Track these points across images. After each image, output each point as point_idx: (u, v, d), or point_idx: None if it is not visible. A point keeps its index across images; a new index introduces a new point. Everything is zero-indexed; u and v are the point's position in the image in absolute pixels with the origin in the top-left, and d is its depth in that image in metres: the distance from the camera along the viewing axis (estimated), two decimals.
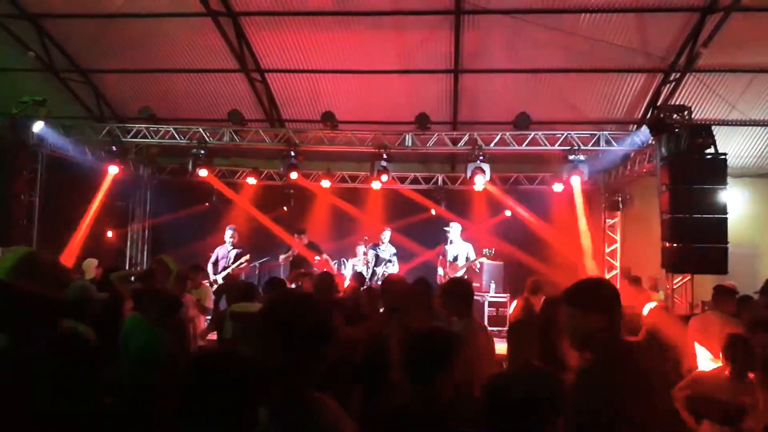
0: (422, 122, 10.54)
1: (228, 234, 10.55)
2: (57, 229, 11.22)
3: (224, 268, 10.32)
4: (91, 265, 9.79)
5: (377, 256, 10.62)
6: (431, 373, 2.49)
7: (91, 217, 11.54)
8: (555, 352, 3.73)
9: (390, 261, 10.70)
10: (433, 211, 12.28)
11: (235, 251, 10.47)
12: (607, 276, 11.95)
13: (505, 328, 8.55)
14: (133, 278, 7.06)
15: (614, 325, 2.48)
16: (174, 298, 5.48)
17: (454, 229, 10.73)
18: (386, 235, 10.86)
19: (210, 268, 10.32)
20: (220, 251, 10.55)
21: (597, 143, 10.48)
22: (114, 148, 11.21)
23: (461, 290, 4.54)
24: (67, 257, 10.64)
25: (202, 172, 11.27)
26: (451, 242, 10.68)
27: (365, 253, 10.82)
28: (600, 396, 2.30)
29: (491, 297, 10.85)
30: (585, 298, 2.52)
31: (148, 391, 3.86)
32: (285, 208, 12.97)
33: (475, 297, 5.94)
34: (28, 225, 10.56)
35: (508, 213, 12.28)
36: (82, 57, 11.68)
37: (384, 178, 10.88)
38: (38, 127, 10.37)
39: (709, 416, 3.90)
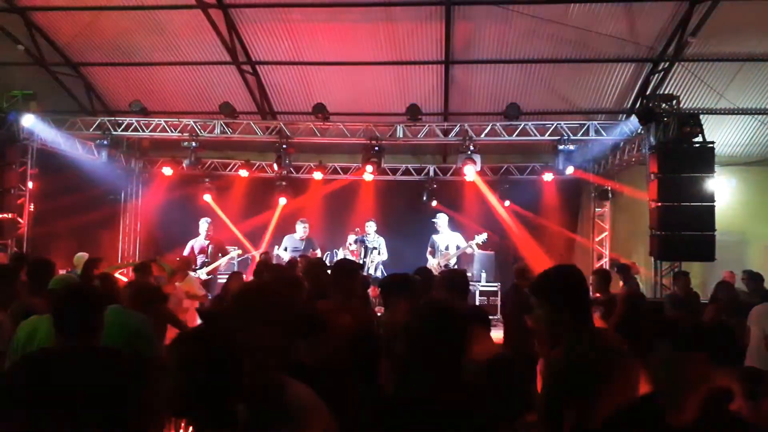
0: (413, 113, 10.56)
1: (203, 226, 10.24)
2: (48, 223, 11.20)
3: (204, 263, 9.94)
4: (82, 260, 9.77)
5: (365, 247, 10.61)
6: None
7: None
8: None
9: (376, 248, 10.62)
10: (434, 203, 12.25)
11: (211, 244, 10.16)
12: (597, 264, 12.07)
13: (496, 317, 8.68)
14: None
15: (581, 313, 2.37)
16: (158, 289, 5.41)
17: (442, 220, 10.76)
18: (371, 225, 10.83)
19: None
20: (195, 244, 10.18)
21: (586, 133, 10.54)
22: (105, 141, 11.21)
23: (455, 280, 4.50)
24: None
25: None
26: (439, 233, 10.72)
27: (349, 245, 10.70)
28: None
29: (482, 286, 10.94)
30: (547, 287, 2.44)
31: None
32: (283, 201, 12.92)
33: None
34: (19, 219, 10.55)
35: None
36: (72, 50, 11.61)
37: (370, 169, 10.86)
38: (28, 121, 10.34)
39: None
